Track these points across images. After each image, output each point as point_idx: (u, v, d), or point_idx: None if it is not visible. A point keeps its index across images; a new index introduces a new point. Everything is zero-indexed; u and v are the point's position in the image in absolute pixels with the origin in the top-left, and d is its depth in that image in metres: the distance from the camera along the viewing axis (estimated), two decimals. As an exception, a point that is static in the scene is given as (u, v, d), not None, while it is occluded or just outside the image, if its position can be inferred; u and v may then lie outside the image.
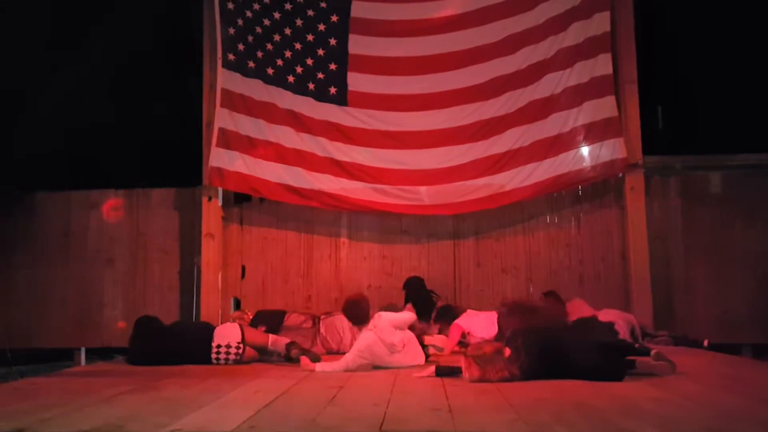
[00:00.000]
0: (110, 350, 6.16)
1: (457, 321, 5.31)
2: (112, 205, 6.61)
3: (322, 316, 5.71)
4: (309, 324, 5.60)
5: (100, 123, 6.94)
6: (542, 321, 4.25)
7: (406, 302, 6.07)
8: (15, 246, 6.75)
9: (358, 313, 5.44)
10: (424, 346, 4.67)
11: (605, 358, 3.68)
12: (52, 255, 6.73)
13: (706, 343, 5.40)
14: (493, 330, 4.89)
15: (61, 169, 6.96)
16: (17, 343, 6.49)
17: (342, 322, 5.52)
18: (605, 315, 5.22)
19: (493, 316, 5.24)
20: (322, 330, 5.49)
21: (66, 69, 6.67)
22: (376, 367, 4.44)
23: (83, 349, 6.69)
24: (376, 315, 4.69)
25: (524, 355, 3.68)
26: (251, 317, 5.67)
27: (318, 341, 5.45)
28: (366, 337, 4.50)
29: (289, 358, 4.79)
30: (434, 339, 5.00)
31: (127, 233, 6.75)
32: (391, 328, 4.51)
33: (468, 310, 5.56)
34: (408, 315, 4.91)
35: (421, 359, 4.57)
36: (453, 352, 4.93)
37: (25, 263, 6.73)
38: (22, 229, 6.78)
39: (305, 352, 4.74)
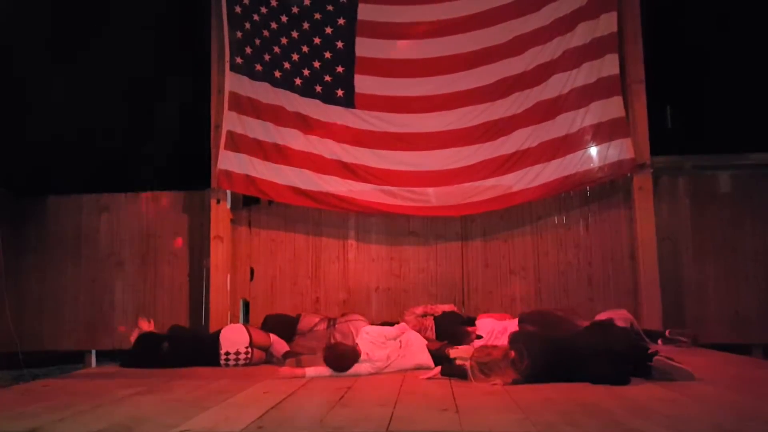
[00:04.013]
0: (121, 352, 6.19)
1: (478, 321, 5.31)
2: None
3: (338, 318, 5.70)
4: (323, 326, 5.60)
5: (109, 127, 6.99)
6: (559, 331, 4.20)
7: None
8: (26, 249, 6.81)
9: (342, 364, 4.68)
10: (451, 360, 4.38)
11: (612, 367, 3.63)
12: (63, 258, 6.79)
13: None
14: (502, 337, 4.87)
15: (71, 172, 7.02)
16: (29, 345, 6.53)
17: (356, 325, 5.50)
18: (600, 318, 5.19)
19: (502, 318, 5.26)
20: (336, 334, 5.48)
21: (75, 73, 6.73)
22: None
23: (94, 351, 6.75)
24: (362, 330, 4.58)
25: (527, 358, 3.67)
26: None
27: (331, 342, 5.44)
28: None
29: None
30: (459, 351, 4.90)
31: (137, 236, 6.80)
32: (375, 344, 4.40)
33: (479, 316, 5.57)
34: (398, 326, 4.75)
35: (422, 360, 4.48)
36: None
37: (37, 266, 6.80)
38: (34, 233, 6.84)
39: (300, 363, 4.60)
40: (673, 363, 3.77)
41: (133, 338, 5.19)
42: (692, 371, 3.76)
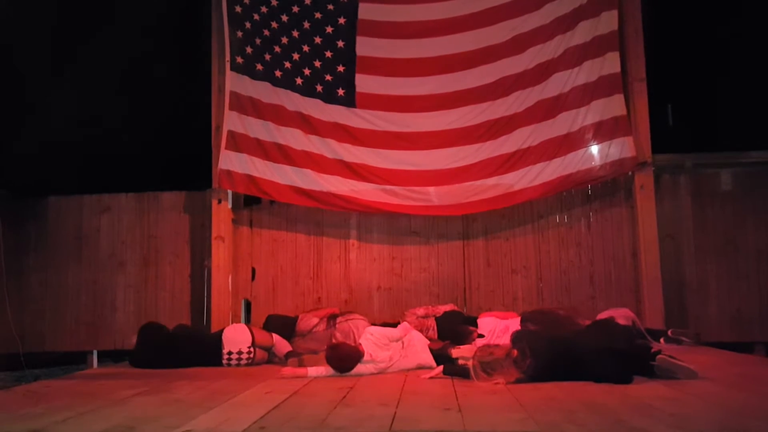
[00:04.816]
0: (123, 353, 6.20)
1: (480, 320, 5.31)
2: None
3: (338, 318, 5.68)
4: (322, 326, 5.57)
5: (110, 127, 6.99)
6: (561, 330, 4.20)
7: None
8: (28, 250, 6.81)
9: (344, 365, 4.53)
10: (453, 360, 4.36)
11: (615, 366, 3.63)
12: (65, 259, 6.79)
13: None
14: (504, 336, 4.86)
15: (72, 173, 7.02)
16: (30, 346, 6.54)
17: (356, 324, 5.49)
18: (602, 317, 5.18)
19: (505, 317, 5.25)
20: (337, 333, 5.46)
21: (76, 74, 6.73)
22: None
23: (95, 352, 6.75)
24: (366, 331, 4.57)
25: (530, 357, 3.66)
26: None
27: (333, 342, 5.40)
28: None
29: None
30: (461, 350, 4.87)
31: (138, 236, 6.80)
32: (379, 345, 4.39)
33: (481, 315, 5.56)
34: (401, 327, 4.69)
35: (424, 360, 4.48)
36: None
37: (38, 267, 6.79)
38: (35, 233, 6.84)
39: (302, 363, 4.61)
40: (676, 361, 3.77)
41: None
42: (695, 369, 3.75)
